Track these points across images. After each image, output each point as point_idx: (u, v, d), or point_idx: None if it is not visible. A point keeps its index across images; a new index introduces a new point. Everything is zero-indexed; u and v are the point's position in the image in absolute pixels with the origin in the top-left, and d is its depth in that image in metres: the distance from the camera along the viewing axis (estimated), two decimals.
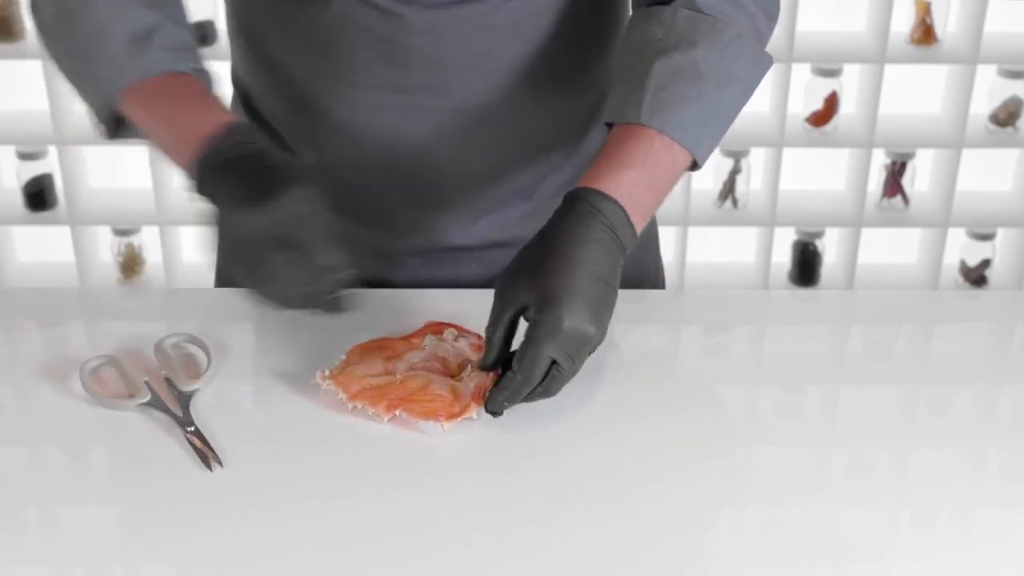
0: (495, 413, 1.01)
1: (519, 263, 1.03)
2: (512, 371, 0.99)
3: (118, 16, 1.10)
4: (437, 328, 1.10)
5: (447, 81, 1.16)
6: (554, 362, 0.99)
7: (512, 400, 1.00)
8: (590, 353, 1.01)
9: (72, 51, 1.13)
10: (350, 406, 1.03)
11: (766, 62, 1.15)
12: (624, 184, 1.04)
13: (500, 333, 1.02)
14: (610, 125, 1.11)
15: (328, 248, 1.01)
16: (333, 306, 1.05)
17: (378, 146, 1.19)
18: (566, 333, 0.98)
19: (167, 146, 1.10)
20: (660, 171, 1.07)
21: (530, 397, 1.01)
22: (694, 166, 1.10)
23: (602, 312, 1.01)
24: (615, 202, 1.03)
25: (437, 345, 1.08)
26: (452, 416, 1.00)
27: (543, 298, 0.99)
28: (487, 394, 1.01)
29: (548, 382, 1.00)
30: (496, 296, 1.03)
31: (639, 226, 1.06)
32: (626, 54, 1.14)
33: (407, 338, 1.10)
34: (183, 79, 1.11)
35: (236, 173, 1.03)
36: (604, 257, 1.01)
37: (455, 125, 1.18)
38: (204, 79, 1.13)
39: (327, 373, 1.05)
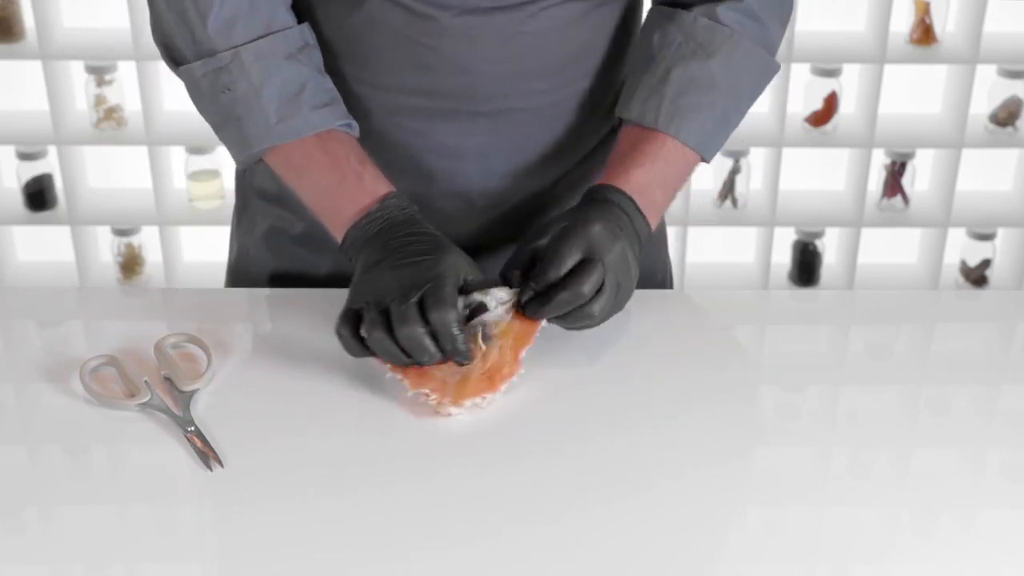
0: (525, 309, 1.06)
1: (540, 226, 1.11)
2: (541, 266, 1.05)
3: (270, 77, 1.11)
4: None
5: (475, 86, 1.16)
6: (584, 262, 1.05)
7: (541, 283, 1.05)
8: (624, 285, 1.07)
9: (223, 110, 1.13)
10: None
11: (774, 69, 1.22)
12: (634, 179, 1.13)
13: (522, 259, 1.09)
14: (621, 119, 1.17)
15: (443, 308, 1.01)
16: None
17: (403, 147, 1.20)
18: (595, 232, 1.06)
19: (316, 209, 1.14)
20: (671, 170, 1.16)
21: (576, 315, 1.06)
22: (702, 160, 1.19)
23: (626, 246, 1.08)
24: (625, 193, 1.12)
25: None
26: (506, 378, 1.04)
27: (572, 218, 1.08)
28: (525, 301, 1.06)
29: (594, 300, 1.05)
30: (520, 243, 1.10)
31: (651, 218, 1.14)
32: (644, 52, 1.19)
33: None
34: (330, 138, 1.13)
35: (384, 242, 1.07)
36: (621, 227, 1.09)
37: (482, 129, 1.19)
38: (350, 130, 1.15)
39: (433, 398, 1.04)
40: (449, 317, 1.01)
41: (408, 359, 1.03)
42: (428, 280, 1.02)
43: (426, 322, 1.01)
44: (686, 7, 1.18)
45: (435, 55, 1.14)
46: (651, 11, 1.21)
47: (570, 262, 1.05)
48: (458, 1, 1.12)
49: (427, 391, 1.03)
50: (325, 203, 1.13)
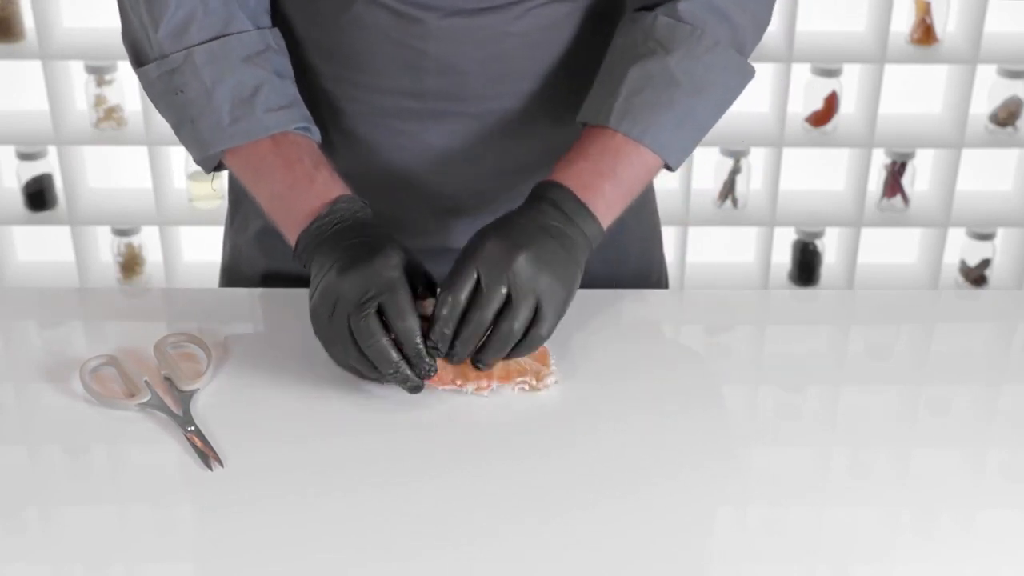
0: (435, 349, 1.02)
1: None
2: (442, 294, 1.02)
3: (223, 79, 1.11)
4: None
5: (462, 87, 1.16)
6: (478, 281, 1.02)
7: (447, 325, 1.02)
8: (545, 294, 1.03)
9: (178, 112, 1.14)
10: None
11: (746, 72, 1.17)
12: (575, 173, 1.09)
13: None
14: (584, 125, 1.14)
15: (404, 319, 1.01)
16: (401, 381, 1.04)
17: (392, 150, 1.20)
18: (487, 248, 1.02)
19: (270, 213, 1.13)
20: (622, 164, 1.11)
21: (494, 340, 1.03)
22: (669, 167, 1.14)
23: (536, 249, 1.03)
24: (563, 186, 1.08)
25: None
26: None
27: (476, 235, 1.05)
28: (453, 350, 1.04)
29: (505, 316, 1.02)
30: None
31: (600, 211, 1.09)
32: (608, 57, 1.16)
33: None
34: (286, 141, 1.12)
35: (332, 247, 1.05)
36: (548, 224, 1.06)
37: (469, 130, 1.19)
38: (307, 134, 1.14)
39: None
40: (411, 325, 1.01)
41: (375, 372, 1.02)
42: (378, 285, 1.01)
43: (388, 331, 1.01)
44: (650, 8, 1.15)
45: (423, 57, 1.14)
46: (622, 19, 1.18)
47: (464, 284, 1.02)
48: (444, 3, 1.12)
49: (459, 382, 1.05)
50: (278, 206, 1.12)
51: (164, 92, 1.13)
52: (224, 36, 1.11)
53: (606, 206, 1.09)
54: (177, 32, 1.11)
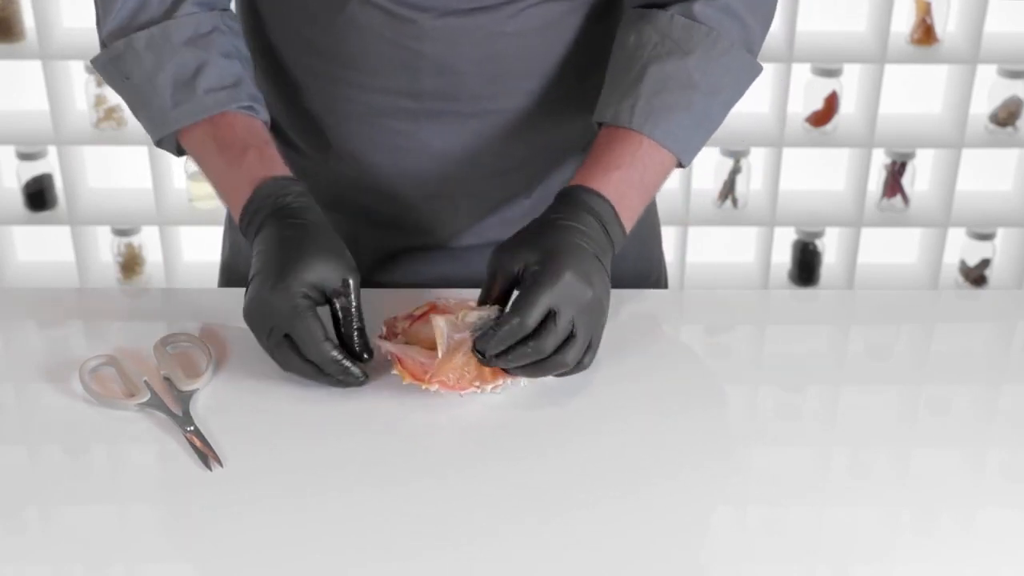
0: (482, 353, 1.01)
1: (517, 237, 1.06)
2: (509, 313, 1.01)
3: (162, 63, 1.12)
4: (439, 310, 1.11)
5: (458, 86, 1.16)
6: (552, 315, 1.00)
7: (505, 342, 1.00)
8: (596, 328, 1.03)
9: (130, 97, 1.16)
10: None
11: (756, 71, 1.18)
12: (613, 183, 1.09)
13: (497, 290, 1.04)
14: (600, 123, 1.14)
15: (315, 346, 1.01)
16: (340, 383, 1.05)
17: (389, 150, 1.20)
18: (565, 283, 1.00)
19: (220, 194, 1.14)
20: (648, 173, 1.12)
21: (545, 365, 1.01)
22: (679, 165, 1.15)
23: (601, 287, 1.03)
24: (604, 199, 1.08)
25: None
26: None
27: (546, 254, 1.02)
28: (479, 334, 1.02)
29: (564, 349, 1.01)
30: (493, 257, 1.05)
31: (627, 224, 1.10)
32: (620, 54, 1.16)
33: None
34: (223, 122, 1.12)
35: (257, 251, 1.06)
36: (596, 245, 1.05)
37: (466, 130, 1.19)
38: (252, 112, 1.14)
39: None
40: (322, 349, 1.01)
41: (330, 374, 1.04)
42: (277, 319, 1.01)
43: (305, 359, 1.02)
44: (662, 7, 1.15)
45: (418, 57, 1.14)
46: (627, 13, 1.18)
47: (537, 314, 1.00)
48: (438, 3, 1.12)
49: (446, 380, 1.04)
50: (219, 192, 1.14)
51: (114, 79, 1.16)
52: (165, 21, 1.13)
53: (631, 215, 1.11)
54: (125, 23, 1.13)
